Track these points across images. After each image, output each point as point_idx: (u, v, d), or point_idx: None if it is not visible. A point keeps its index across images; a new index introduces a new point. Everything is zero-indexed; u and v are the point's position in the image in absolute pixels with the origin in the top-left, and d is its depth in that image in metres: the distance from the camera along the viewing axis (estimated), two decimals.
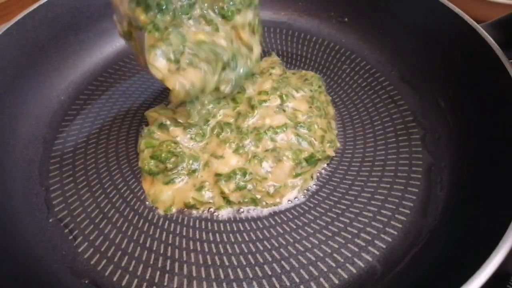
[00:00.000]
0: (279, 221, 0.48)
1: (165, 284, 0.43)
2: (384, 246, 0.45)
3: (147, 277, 0.43)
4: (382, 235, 0.46)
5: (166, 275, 0.44)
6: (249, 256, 0.45)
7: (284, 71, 0.60)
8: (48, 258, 0.45)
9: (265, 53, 0.67)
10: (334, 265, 0.44)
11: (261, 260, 0.44)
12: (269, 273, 0.43)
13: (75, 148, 0.56)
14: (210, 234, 0.47)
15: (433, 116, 0.56)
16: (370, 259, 0.44)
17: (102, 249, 0.46)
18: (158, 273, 0.44)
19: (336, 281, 0.42)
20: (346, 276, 0.43)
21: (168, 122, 0.52)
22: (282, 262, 0.44)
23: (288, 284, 0.42)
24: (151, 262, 0.45)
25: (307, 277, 0.43)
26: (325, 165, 0.53)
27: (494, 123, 0.47)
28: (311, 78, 0.60)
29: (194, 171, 0.50)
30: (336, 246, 0.45)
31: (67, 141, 0.57)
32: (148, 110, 0.56)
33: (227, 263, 0.44)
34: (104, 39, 0.69)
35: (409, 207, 0.48)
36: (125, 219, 0.49)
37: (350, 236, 0.46)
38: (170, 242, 0.46)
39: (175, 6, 0.43)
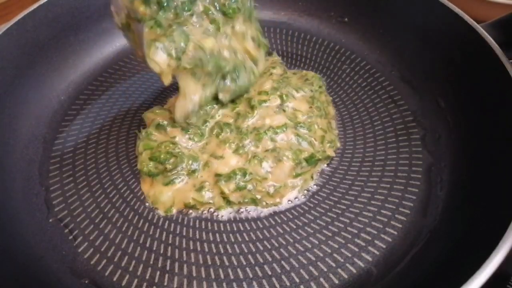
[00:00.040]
0: (279, 221, 0.48)
1: (165, 284, 0.43)
2: (384, 246, 0.45)
3: (147, 277, 0.43)
4: (382, 235, 0.46)
5: (166, 275, 0.44)
6: (249, 256, 0.45)
7: (284, 71, 0.60)
8: (48, 258, 0.45)
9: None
10: (334, 265, 0.44)
11: (261, 260, 0.44)
12: (269, 273, 0.43)
13: (75, 148, 0.56)
14: (210, 234, 0.47)
15: (433, 116, 0.56)
16: (370, 259, 0.44)
17: (102, 249, 0.46)
18: (158, 273, 0.44)
19: (336, 281, 0.42)
20: (346, 276, 0.43)
21: (165, 123, 0.52)
22: (282, 262, 0.44)
23: (288, 284, 0.42)
24: (151, 262, 0.45)
25: (307, 277, 0.43)
26: (325, 165, 0.53)
27: (494, 123, 0.47)
28: (312, 78, 0.60)
29: (193, 171, 0.50)
30: (336, 246, 0.45)
31: (67, 141, 0.57)
32: (145, 111, 0.56)
33: (227, 263, 0.44)
34: (104, 39, 0.69)
35: (409, 207, 0.48)
36: (125, 219, 0.49)
37: (350, 236, 0.46)
38: (170, 242, 0.46)
39: (176, 3, 0.43)
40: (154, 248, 0.46)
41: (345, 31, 0.70)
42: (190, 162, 0.50)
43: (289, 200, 0.50)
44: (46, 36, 0.62)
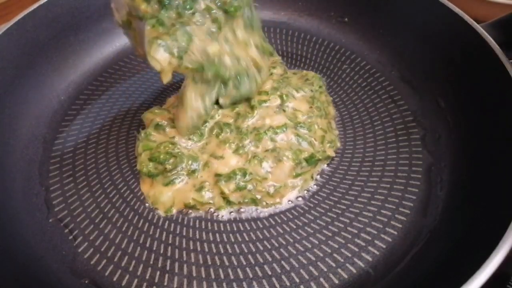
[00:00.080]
0: (279, 221, 0.48)
1: (165, 284, 0.43)
2: (384, 246, 0.45)
3: (147, 277, 0.43)
4: (382, 235, 0.46)
5: (166, 275, 0.44)
6: (249, 256, 0.45)
7: (285, 71, 0.60)
8: (48, 258, 0.45)
9: None
10: (334, 265, 0.44)
11: (261, 260, 0.44)
12: (269, 273, 0.43)
13: (75, 148, 0.56)
14: (210, 234, 0.47)
15: (433, 116, 0.56)
16: (370, 259, 0.44)
17: (102, 249, 0.46)
18: (158, 273, 0.44)
19: (336, 281, 0.42)
20: (346, 276, 0.43)
21: (164, 123, 0.52)
22: (282, 262, 0.44)
23: (288, 284, 0.42)
24: (151, 262, 0.45)
25: (307, 277, 0.43)
26: (325, 165, 0.53)
27: (494, 123, 0.47)
28: (312, 78, 0.60)
29: (193, 171, 0.50)
30: (336, 246, 0.45)
31: (67, 141, 0.57)
32: (145, 112, 0.56)
33: (227, 263, 0.44)
34: (104, 39, 0.69)
35: (409, 207, 0.48)
36: (125, 219, 0.49)
37: (350, 236, 0.46)
38: (170, 242, 0.46)
39: (178, 1, 0.43)
40: (154, 248, 0.46)
41: (345, 31, 0.70)
42: (190, 162, 0.50)
43: (289, 200, 0.50)
44: (46, 36, 0.62)
